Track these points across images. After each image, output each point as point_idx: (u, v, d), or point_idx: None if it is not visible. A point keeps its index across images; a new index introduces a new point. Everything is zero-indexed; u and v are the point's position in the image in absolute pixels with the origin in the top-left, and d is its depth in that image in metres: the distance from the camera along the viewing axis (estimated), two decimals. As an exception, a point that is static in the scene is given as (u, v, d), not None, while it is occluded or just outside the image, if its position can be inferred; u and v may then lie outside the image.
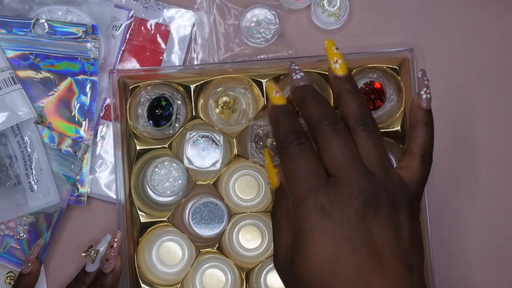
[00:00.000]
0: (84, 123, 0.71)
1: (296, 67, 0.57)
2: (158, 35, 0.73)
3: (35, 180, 0.69)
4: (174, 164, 0.71)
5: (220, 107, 0.70)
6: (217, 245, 0.72)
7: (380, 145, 0.53)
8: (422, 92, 0.56)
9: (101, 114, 0.73)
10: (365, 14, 0.74)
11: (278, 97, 0.56)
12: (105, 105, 0.73)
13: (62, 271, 0.73)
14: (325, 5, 0.73)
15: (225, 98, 0.70)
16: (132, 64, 0.73)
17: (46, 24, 0.70)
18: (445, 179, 0.73)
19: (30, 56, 0.70)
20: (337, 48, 0.56)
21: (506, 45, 0.74)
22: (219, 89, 0.70)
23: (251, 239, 0.72)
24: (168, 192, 0.71)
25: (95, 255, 0.65)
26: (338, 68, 0.56)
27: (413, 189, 0.53)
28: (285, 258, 0.52)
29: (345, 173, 0.51)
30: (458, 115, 0.74)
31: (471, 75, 0.74)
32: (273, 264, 0.69)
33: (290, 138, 0.53)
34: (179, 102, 0.69)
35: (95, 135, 0.73)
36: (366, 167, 0.52)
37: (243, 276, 0.71)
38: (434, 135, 0.55)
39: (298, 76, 0.56)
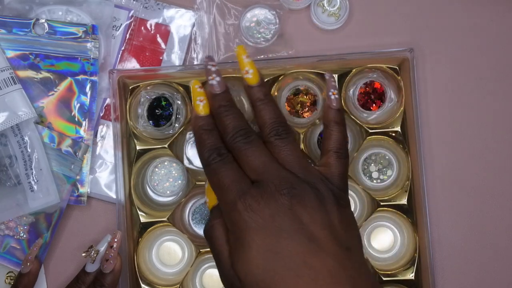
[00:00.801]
0: (84, 123, 0.71)
1: (213, 69, 0.58)
2: (158, 35, 0.73)
3: (35, 180, 0.69)
4: (174, 164, 0.71)
5: None
6: (217, 245, 0.72)
7: (295, 149, 0.56)
8: (330, 93, 0.59)
9: (101, 114, 0.73)
10: (365, 14, 0.74)
11: (203, 107, 0.58)
12: (105, 105, 0.73)
13: (62, 271, 0.73)
14: (325, 5, 0.73)
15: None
16: (132, 64, 0.73)
17: (46, 24, 0.70)
18: (445, 179, 0.73)
19: (30, 56, 0.70)
20: (247, 56, 0.58)
21: (506, 45, 0.74)
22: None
23: None
24: (168, 192, 0.71)
25: (95, 255, 0.65)
26: (250, 77, 0.57)
27: (336, 182, 0.56)
28: (229, 269, 0.54)
29: (266, 174, 0.53)
30: (458, 115, 0.73)
31: (471, 75, 0.74)
32: None
33: (213, 155, 0.55)
34: (179, 102, 0.69)
35: (95, 135, 0.73)
36: (285, 168, 0.54)
37: None
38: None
39: (214, 82, 0.57)
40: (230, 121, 0.56)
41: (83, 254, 0.65)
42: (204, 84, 0.60)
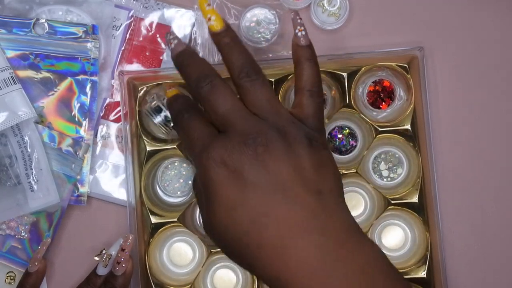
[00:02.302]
0: (84, 123, 0.71)
1: (171, 37, 0.57)
2: (158, 35, 0.73)
3: (35, 180, 0.69)
4: (184, 165, 0.71)
5: None
6: (228, 245, 0.72)
7: (265, 90, 0.54)
8: (297, 31, 0.56)
9: (101, 114, 0.73)
10: (365, 14, 0.74)
11: (171, 91, 0.59)
12: (105, 105, 0.73)
13: (62, 270, 0.73)
14: (325, 5, 0.73)
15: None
16: (132, 64, 0.73)
17: (46, 24, 0.70)
18: (456, 176, 0.73)
19: (30, 56, 0.70)
20: (209, 4, 0.57)
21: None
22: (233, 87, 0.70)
23: None
24: (178, 192, 0.71)
25: (108, 259, 0.65)
26: (214, 24, 0.56)
27: (310, 124, 0.54)
28: (204, 221, 0.53)
29: (231, 123, 0.52)
30: (468, 112, 0.73)
31: (481, 73, 0.73)
32: None
33: (180, 114, 0.55)
34: None
35: (95, 135, 0.73)
36: (253, 114, 0.53)
37: (255, 276, 0.71)
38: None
39: (173, 45, 0.57)
40: (193, 69, 0.55)
41: (96, 258, 0.65)
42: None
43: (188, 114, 0.55)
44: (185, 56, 0.56)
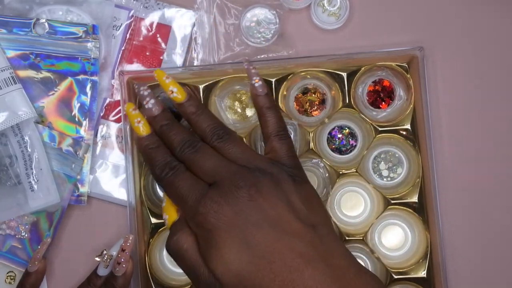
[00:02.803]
0: (84, 123, 0.71)
1: (145, 93, 0.60)
2: (158, 35, 0.73)
3: (35, 180, 0.69)
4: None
5: (238, 103, 0.71)
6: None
7: (239, 144, 0.57)
8: (253, 82, 0.60)
9: (101, 114, 0.73)
10: (365, 14, 0.74)
11: (143, 127, 0.59)
12: (105, 105, 0.73)
13: (63, 270, 0.73)
14: (325, 4, 0.73)
15: (244, 96, 0.70)
16: (132, 64, 0.73)
17: (46, 24, 0.70)
18: (456, 176, 0.73)
19: (31, 55, 0.71)
20: (167, 77, 0.60)
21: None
22: (237, 87, 0.70)
23: None
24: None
25: (109, 260, 0.65)
26: (177, 96, 0.59)
27: (287, 163, 0.57)
28: (207, 276, 0.53)
29: (219, 174, 0.54)
30: (468, 112, 0.73)
31: (480, 73, 0.73)
32: None
33: (165, 170, 0.56)
34: None
35: (95, 135, 0.73)
36: (236, 164, 0.55)
37: None
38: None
39: (150, 105, 0.59)
40: (175, 136, 0.58)
41: (97, 259, 0.65)
42: (140, 107, 0.61)
43: (173, 170, 0.56)
44: (164, 121, 0.59)
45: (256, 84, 0.60)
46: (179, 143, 0.57)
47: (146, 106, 0.59)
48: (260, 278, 0.51)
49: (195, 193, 0.54)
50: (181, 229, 0.55)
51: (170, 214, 0.57)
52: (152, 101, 0.59)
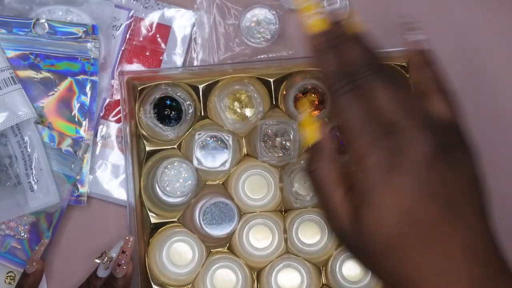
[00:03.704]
0: (84, 123, 0.71)
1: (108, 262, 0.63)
2: (158, 35, 0.73)
3: (35, 180, 0.69)
4: (184, 165, 0.71)
5: (238, 103, 0.71)
6: (227, 245, 0.72)
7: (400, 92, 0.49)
8: (418, 36, 0.54)
9: (101, 114, 0.73)
10: (365, 14, 0.74)
11: (318, 21, 0.50)
12: (105, 105, 0.73)
13: (62, 270, 0.73)
14: (325, 4, 0.73)
15: (243, 96, 0.70)
16: (132, 64, 0.73)
17: (46, 24, 0.70)
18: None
19: (30, 56, 0.70)
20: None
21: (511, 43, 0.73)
22: (237, 87, 0.70)
23: (261, 239, 0.72)
24: (178, 193, 0.71)
25: (109, 262, 0.65)
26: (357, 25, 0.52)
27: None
28: (348, 221, 0.47)
29: (404, 119, 0.46)
30: (466, 113, 0.73)
31: (479, 74, 0.73)
32: (283, 263, 0.70)
33: (340, 82, 0.48)
34: (189, 103, 0.70)
35: (95, 135, 0.73)
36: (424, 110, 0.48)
37: (254, 276, 0.71)
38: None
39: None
40: (355, 52, 0.49)
41: (97, 260, 0.65)
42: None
43: (350, 88, 0.47)
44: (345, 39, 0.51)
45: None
46: (362, 61, 0.48)
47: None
48: (407, 244, 0.45)
49: (369, 134, 0.46)
50: (321, 163, 0.50)
51: (310, 134, 0.51)
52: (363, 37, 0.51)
